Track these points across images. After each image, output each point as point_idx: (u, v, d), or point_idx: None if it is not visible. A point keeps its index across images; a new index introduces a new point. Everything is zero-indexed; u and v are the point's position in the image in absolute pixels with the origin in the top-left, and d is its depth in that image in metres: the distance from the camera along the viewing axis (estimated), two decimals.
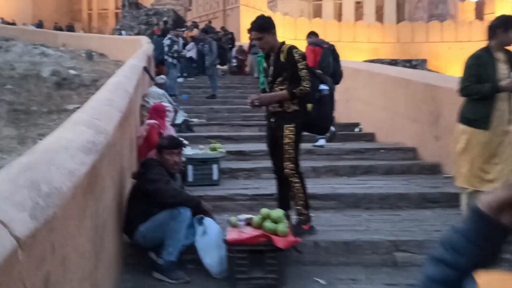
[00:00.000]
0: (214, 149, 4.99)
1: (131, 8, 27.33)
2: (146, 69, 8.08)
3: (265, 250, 2.81)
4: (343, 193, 4.41)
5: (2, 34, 23.09)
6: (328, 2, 42.88)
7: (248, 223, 3.08)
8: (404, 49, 37.78)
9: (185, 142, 5.36)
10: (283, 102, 3.37)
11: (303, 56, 3.38)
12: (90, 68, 15.17)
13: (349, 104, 8.18)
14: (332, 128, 6.14)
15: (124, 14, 27.24)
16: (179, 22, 24.04)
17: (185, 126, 7.44)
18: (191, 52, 14.15)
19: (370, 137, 7.29)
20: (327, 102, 3.61)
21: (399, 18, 41.86)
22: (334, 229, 3.59)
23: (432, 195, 4.40)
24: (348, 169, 5.44)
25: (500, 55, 3.52)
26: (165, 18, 23.80)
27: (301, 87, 3.29)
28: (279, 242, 2.78)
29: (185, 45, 14.11)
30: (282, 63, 3.35)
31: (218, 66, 13.18)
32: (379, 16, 41.94)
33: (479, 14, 42.76)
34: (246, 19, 31.29)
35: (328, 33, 37.44)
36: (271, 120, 3.49)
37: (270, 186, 4.31)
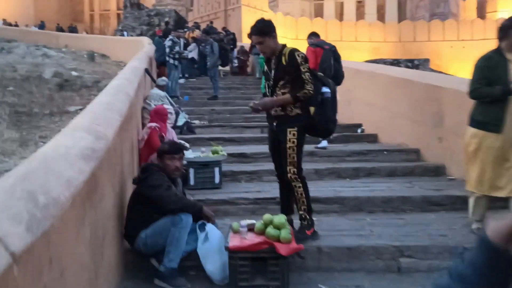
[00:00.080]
0: (215, 152, 4.95)
1: (132, 9, 27.37)
2: (147, 71, 8.05)
3: (268, 258, 2.77)
4: (346, 196, 4.36)
5: (4, 36, 23.13)
6: (329, 1, 42.81)
7: (250, 228, 3.04)
8: (406, 48, 37.69)
9: (187, 145, 5.34)
10: (286, 105, 3.33)
11: (306, 59, 3.33)
12: (91, 69, 15.17)
13: (351, 105, 8.13)
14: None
15: (125, 15, 27.29)
16: (180, 22, 24.04)
17: (187, 128, 7.41)
18: (192, 53, 14.12)
19: (372, 138, 7.24)
20: (330, 104, 3.56)
21: (401, 17, 41.77)
22: (337, 234, 3.54)
23: (436, 198, 4.35)
24: (351, 171, 5.39)
25: (511, 57, 3.41)
26: (166, 19, 23.81)
27: (305, 91, 3.25)
28: (282, 249, 2.74)
29: (186, 45, 14.08)
30: (284, 66, 3.30)
31: (220, 68, 13.15)
32: (381, 16, 41.85)
33: (481, 13, 42.63)
34: (247, 19, 31.28)
35: (330, 32, 37.40)
36: (274, 123, 3.45)
37: (272, 190, 4.28)
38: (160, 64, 11.52)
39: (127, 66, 7.45)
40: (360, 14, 42.23)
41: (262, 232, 2.94)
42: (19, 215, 1.44)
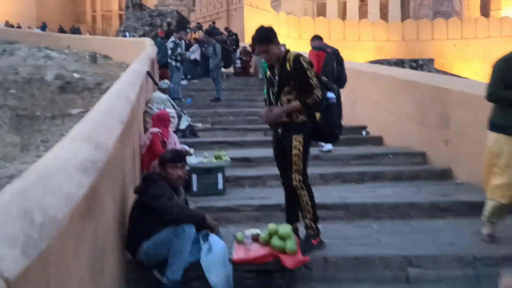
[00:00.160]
0: (218, 157, 4.88)
1: (134, 10, 27.38)
2: (149, 74, 7.99)
3: (273, 270, 2.70)
4: (352, 203, 4.29)
5: (6, 37, 23.12)
6: (332, 0, 42.67)
7: (255, 238, 2.97)
8: (409, 47, 37.54)
9: (190, 151, 5.27)
10: (292, 112, 3.26)
11: (311, 64, 3.26)
12: (94, 71, 15.12)
13: (355, 107, 8.05)
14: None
15: (127, 15, 27.30)
16: (182, 23, 24.01)
17: (190, 131, 7.34)
18: (195, 54, 14.06)
19: (377, 140, 7.15)
20: (335, 110, 3.49)
21: (404, 16, 41.60)
22: (344, 243, 3.47)
23: (443, 203, 4.27)
24: (356, 175, 5.32)
25: None
26: (168, 19, 23.80)
27: (314, 96, 3.19)
28: (288, 261, 2.67)
29: (188, 46, 14.02)
30: (288, 72, 3.22)
31: (223, 69, 13.08)
32: (384, 14, 41.68)
33: (485, 11, 42.42)
34: (250, 19, 31.21)
35: (332, 32, 37.32)
36: (278, 130, 3.37)
37: (276, 195, 4.20)
38: (162, 66, 11.47)
39: (129, 69, 7.39)
40: (362, 13, 42.08)
41: (267, 243, 2.87)
42: (14, 237, 1.38)
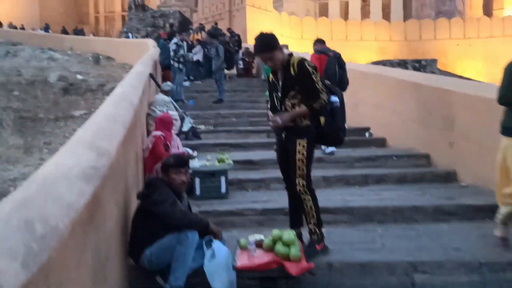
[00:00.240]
0: (221, 160, 4.85)
1: (137, 11, 27.39)
2: (152, 76, 7.98)
3: (277, 277, 2.67)
4: (356, 206, 4.26)
5: (10, 39, 23.15)
6: (334, 1, 42.62)
7: (259, 244, 2.94)
8: (412, 47, 37.48)
9: (194, 154, 5.25)
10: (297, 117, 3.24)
11: (315, 68, 3.24)
12: (97, 72, 15.10)
13: (358, 108, 8.01)
14: None
15: (130, 16, 27.29)
16: (185, 23, 24.01)
17: (192, 134, 7.32)
18: (197, 55, 14.04)
19: (381, 142, 7.12)
20: (339, 113, 3.47)
21: (406, 16, 41.52)
22: (348, 248, 3.43)
23: (448, 207, 4.23)
24: (360, 178, 5.29)
25: None
26: (171, 20, 23.80)
27: (321, 100, 3.18)
28: (292, 268, 2.64)
29: (190, 47, 13.99)
30: (292, 77, 3.20)
31: (226, 71, 13.06)
32: (386, 14, 41.61)
33: (487, 10, 42.27)
34: (252, 20, 31.20)
35: (335, 32, 37.30)
36: (282, 134, 3.35)
37: (280, 199, 4.18)
38: (165, 67, 11.45)
39: (131, 71, 7.37)
40: (365, 13, 42.02)
41: (271, 249, 2.84)
42: (14, 249, 1.35)
